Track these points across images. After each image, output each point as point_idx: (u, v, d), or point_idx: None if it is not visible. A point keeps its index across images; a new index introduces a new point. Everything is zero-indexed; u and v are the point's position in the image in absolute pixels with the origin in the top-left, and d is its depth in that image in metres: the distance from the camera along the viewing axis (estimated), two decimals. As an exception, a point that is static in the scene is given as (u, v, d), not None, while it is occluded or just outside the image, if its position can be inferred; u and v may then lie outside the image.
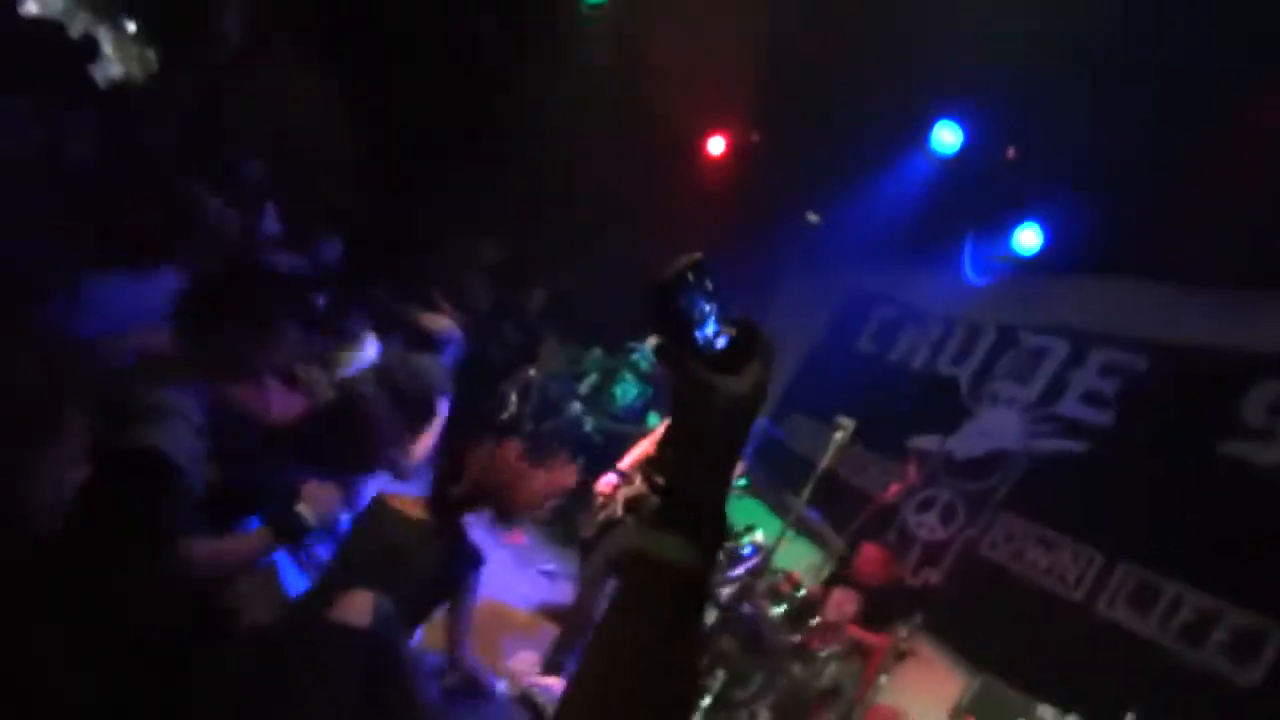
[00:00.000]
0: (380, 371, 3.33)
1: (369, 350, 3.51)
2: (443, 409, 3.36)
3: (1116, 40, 3.16)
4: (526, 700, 2.02)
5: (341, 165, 5.41)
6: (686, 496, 0.55)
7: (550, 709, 2.02)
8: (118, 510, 1.13)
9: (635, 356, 5.00)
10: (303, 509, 1.44)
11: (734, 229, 5.50)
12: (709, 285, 0.58)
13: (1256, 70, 2.94)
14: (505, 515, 1.95)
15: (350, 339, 3.42)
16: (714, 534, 0.55)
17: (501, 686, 2.12)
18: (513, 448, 1.97)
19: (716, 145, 5.48)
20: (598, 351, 5.66)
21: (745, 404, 0.56)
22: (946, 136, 4.34)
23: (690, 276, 0.56)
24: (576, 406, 5.16)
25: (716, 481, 0.56)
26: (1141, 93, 3.32)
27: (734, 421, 0.55)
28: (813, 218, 5.40)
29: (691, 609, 0.54)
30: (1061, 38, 3.25)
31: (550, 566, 4.29)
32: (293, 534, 1.45)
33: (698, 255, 0.58)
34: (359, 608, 1.42)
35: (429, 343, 3.62)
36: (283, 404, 1.76)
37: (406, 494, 1.99)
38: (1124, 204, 3.70)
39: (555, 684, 2.28)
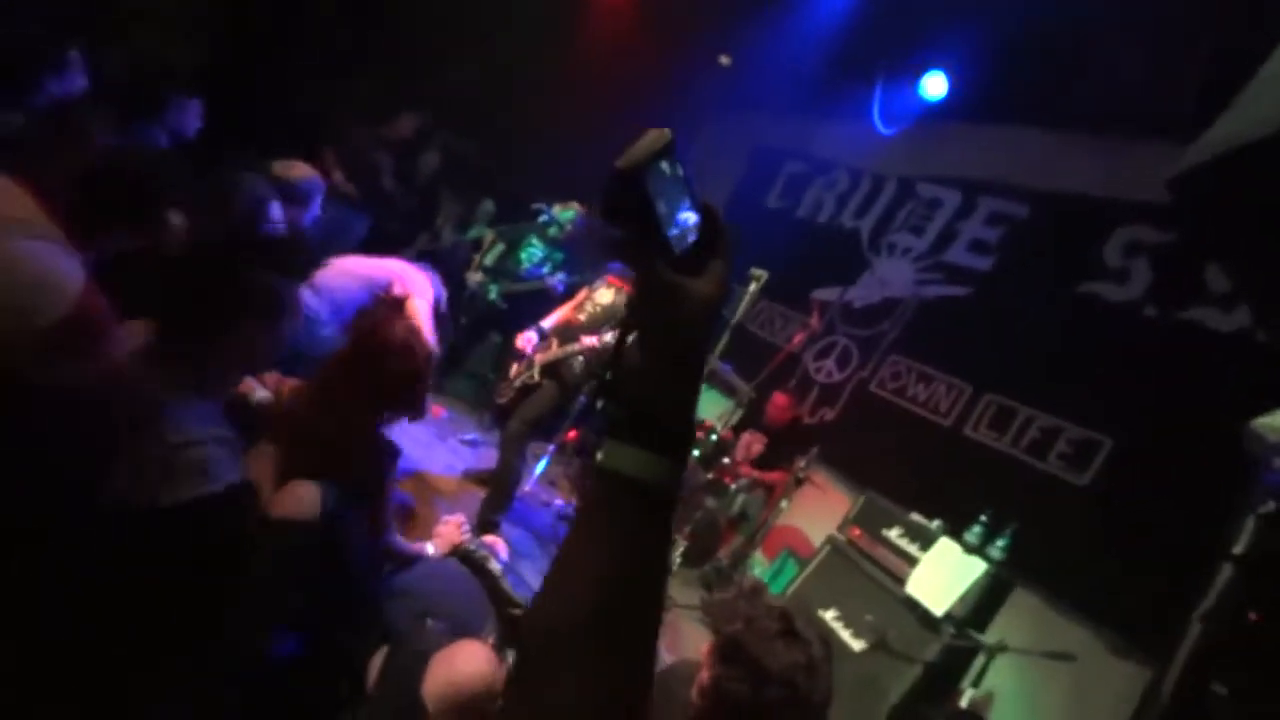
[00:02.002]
0: None
1: None
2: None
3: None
4: (465, 558, 2.09)
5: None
6: (652, 408, 0.51)
7: (488, 562, 2.10)
8: None
9: (542, 219, 4.75)
10: None
11: (650, 65, 5.08)
12: (679, 171, 0.49)
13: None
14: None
15: None
16: (681, 443, 0.51)
17: (429, 549, 2.16)
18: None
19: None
20: (490, 204, 5.33)
21: (711, 306, 0.51)
22: (866, -33, 4.07)
23: (660, 162, 0.47)
24: (477, 278, 4.94)
25: (683, 388, 0.52)
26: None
27: (700, 324, 0.51)
28: (724, 60, 5.08)
29: (661, 520, 0.52)
30: None
31: (470, 435, 4.33)
32: None
33: (668, 135, 0.48)
34: (304, 499, 1.34)
35: (291, 195, 3.15)
36: None
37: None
38: (1023, 52, 3.73)
39: (491, 540, 2.37)
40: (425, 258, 5.13)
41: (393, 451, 1.81)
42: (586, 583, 0.50)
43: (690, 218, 0.51)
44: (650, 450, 0.50)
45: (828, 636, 1.19)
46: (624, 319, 0.53)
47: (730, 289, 0.55)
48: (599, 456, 0.52)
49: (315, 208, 2.75)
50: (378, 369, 1.59)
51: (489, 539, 2.84)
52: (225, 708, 1.32)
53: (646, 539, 0.51)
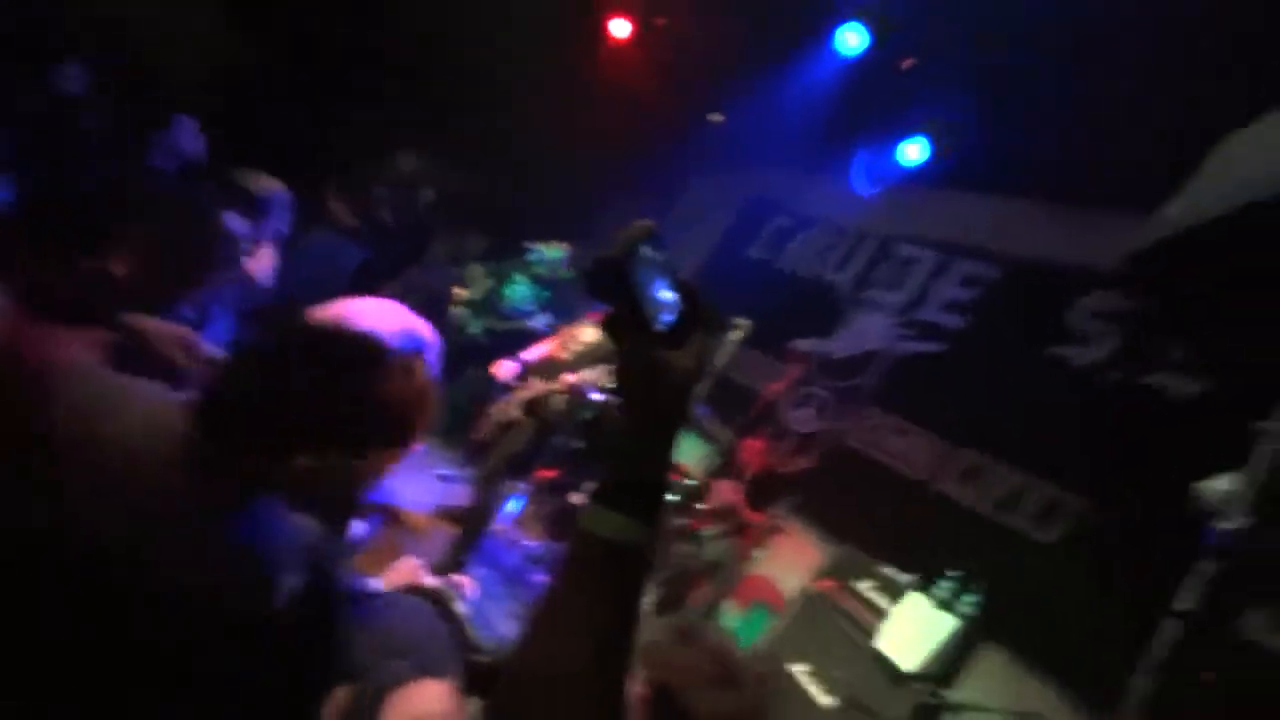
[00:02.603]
0: None
1: (232, 224, 3.08)
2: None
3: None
4: (434, 598, 2.04)
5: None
6: (631, 474, 0.55)
7: (453, 603, 2.06)
8: None
9: (531, 258, 4.85)
10: None
11: (642, 123, 5.29)
12: (660, 257, 0.55)
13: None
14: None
15: None
16: (657, 507, 0.56)
17: (376, 586, 2.11)
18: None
19: (620, 29, 5.11)
20: (480, 240, 5.44)
21: (690, 379, 0.56)
22: (851, 38, 4.32)
23: (642, 248, 0.53)
24: (460, 311, 5.00)
25: (660, 456, 0.56)
26: (1027, 19, 3.45)
27: (679, 397, 0.55)
28: (716, 118, 5.31)
29: (635, 580, 0.56)
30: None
31: (445, 471, 4.28)
32: None
33: (650, 225, 0.54)
34: None
35: (251, 205, 3.16)
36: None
37: None
38: (1001, 123, 3.97)
39: (459, 579, 2.32)
40: (412, 289, 5.19)
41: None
42: (563, 637, 0.54)
43: (669, 296, 0.56)
44: (622, 513, 0.54)
45: (770, 676, 1.17)
46: (610, 389, 0.59)
47: (712, 355, 0.61)
48: (581, 519, 0.56)
49: (281, 222, 2.79)
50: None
51: (457, 578, 2.78)
52: None
53: (621, 597, 0.55)
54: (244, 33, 4.79)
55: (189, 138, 3.05)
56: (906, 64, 4.48)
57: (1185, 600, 1.49)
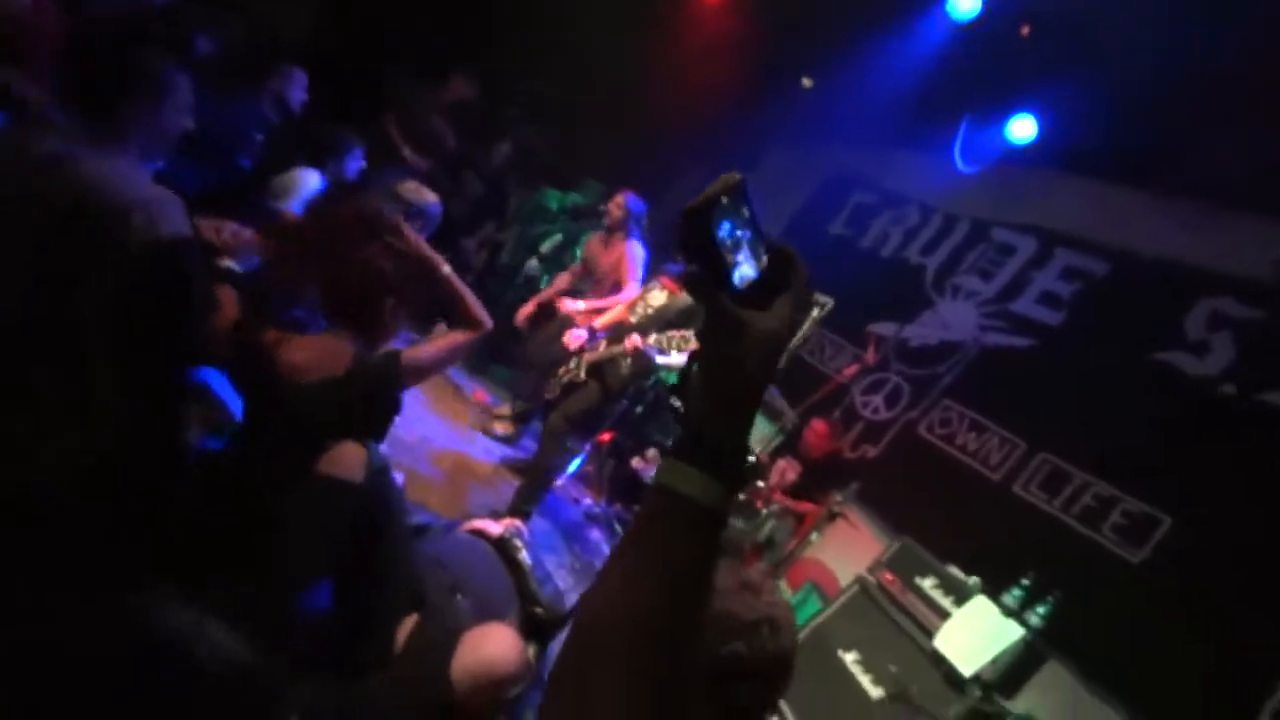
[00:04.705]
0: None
1: (310, 180, 3.22)
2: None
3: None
4: (500, 545, 2.12)
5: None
6: (711, 431, 0.54)
7: (519, 554, 2.13)
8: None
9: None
10: None
11: (726, 88, 5.10)
12: (746, 212, 0.53)
13: None
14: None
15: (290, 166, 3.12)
16: (736, 468, 0.54)
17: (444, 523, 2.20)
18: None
19: (714, -14, 4.91)
20: (554, 192, 5.42)
21: (774, 340, 0.54)
22: (964, 1, 4.00)
23: (726, 202, 0.51)
24: (533, 265, 5.03)
25: (742, 417, 0.55)
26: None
27: (762, 358, 0.54)
28: (806, 82, 5.06)
29: (711, 540, 0.54)
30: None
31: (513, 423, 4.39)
32: None
33: (737, 178, 0.52)
34: (351, 461, 1.40)
35: (409, 213, 3.36)
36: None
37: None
38: (1122, 105, 3.60)
39: (521, 526, 2.41)
40: (487, 247, 5.26)
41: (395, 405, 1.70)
42: (630, 588, 0.53)
43: (755, 256, 0.54)
44: (700, 469, 0.53)
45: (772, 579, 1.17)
46: (694, 349, 0.56)
47: (798, 321, 0.59)
48: (658, 473, 0.55)
49: (427, 229, 3.03)
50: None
51: (519, 524, 2.88)
52: (252, 651, 1.37)
53: (691, 553, 0.53)
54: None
55: (298, 91, 3.17)
56: (1025, 31, 4.11)
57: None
